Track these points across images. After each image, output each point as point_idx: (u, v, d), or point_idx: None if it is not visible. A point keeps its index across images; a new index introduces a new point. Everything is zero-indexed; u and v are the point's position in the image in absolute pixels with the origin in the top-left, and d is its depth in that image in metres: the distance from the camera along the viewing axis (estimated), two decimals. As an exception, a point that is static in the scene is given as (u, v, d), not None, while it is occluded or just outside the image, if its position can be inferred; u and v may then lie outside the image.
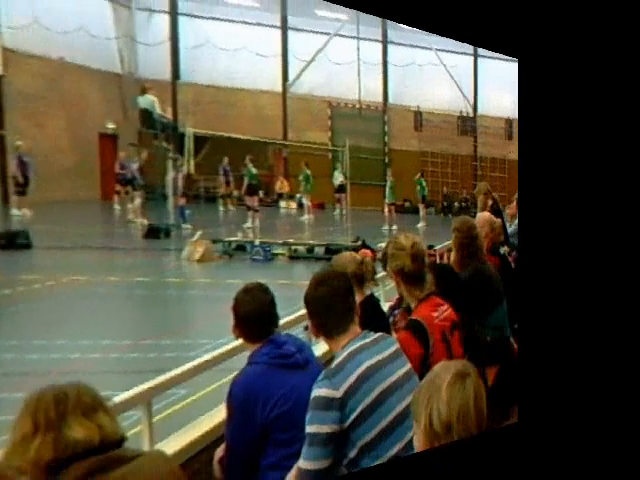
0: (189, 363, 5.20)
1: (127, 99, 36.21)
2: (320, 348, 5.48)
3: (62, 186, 32.76)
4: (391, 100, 44.68)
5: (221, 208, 34.52)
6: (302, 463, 3.34)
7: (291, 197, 39.45)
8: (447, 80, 44.42)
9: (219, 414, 4.59)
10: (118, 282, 16.96)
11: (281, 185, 40.03)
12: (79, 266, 18.56)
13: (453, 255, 6.55)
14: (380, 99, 44.42)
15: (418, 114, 44.79)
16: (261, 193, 31.21)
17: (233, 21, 39.55)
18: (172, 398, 8.11)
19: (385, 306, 6.43)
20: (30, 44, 31.47)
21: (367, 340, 3.69)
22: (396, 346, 3.85)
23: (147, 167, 28.82)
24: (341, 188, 37.11)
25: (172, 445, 3.83)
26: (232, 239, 22.19)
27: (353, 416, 3.34)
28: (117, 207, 30.78)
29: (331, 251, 20.45)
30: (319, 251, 21.60)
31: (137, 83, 32.98)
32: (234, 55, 38.70)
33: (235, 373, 4.19)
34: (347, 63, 41.42)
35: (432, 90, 44.22)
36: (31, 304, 14.68)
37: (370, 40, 42.63)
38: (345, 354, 3.55)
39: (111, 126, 36.27)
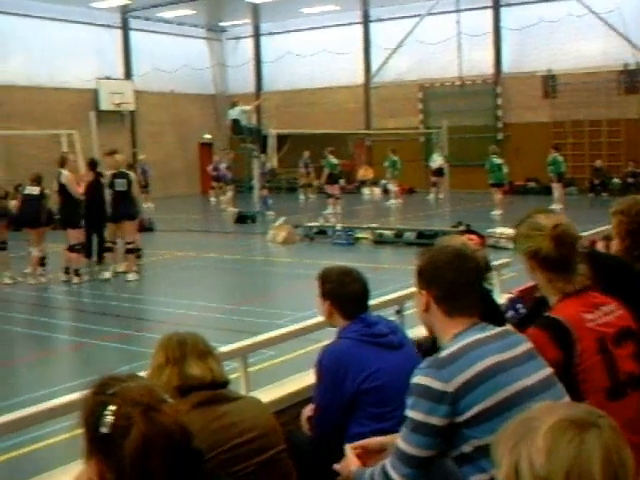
0: (281, 329, 5.10)
1: (219, 113, 37.36)
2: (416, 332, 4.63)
3: (173, 184, 34.98)
4: (506, 69, 33.24)
5: (301, 197, 32.82)
6: (403, 446, 2.66)
7: (375, 183, 33.53)
8: (597, 31, 30.03)
9: (307, 378, 4.35)
10: (215, 258, 17.10)
11: (364, 173, 34.14)
12: (186, 244, 19.18)
13: (615, 244, 4.43)
14: (486, 71, 33.30)
15: (549, 79, 31.48)
16: (342, 182, 28.05)
17: (312, 28, 36.74)
18: (261, 356, 7.96)
19: (501, 298, 5.33)
20: (151, 84, 35.11)
21: (488, 333, 2.75)
22: (528, 345, 2.81)
23: (235, 166, 29.67)
24: (439, 171, 30.01)
25: (264, 396, 3.66)
26: (313, 224, 20.24)
27: (469, 414, 2.57)
28: (212, 199, 31.58)
29: (424, 236, 17.38)
30: (410, 236, 18.17)
31: (227, 99, 34.00)
32: (313, 59, 36.21)
33: (319, 344, 3.98)
34: (442, 41, 32.95)
35: (571, 47, 30.56)
36: (157, 270, 15.74)
37: (476, 9, 32.74)
38: (459, 345, 2.67)
39: (207, 136, 37.78)
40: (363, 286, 3.86)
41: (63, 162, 14.30)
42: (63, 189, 14.02)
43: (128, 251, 14.68)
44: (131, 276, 14.46)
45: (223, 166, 30.64)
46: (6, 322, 11.51)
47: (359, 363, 3.61)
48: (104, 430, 1.83)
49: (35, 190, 14.32)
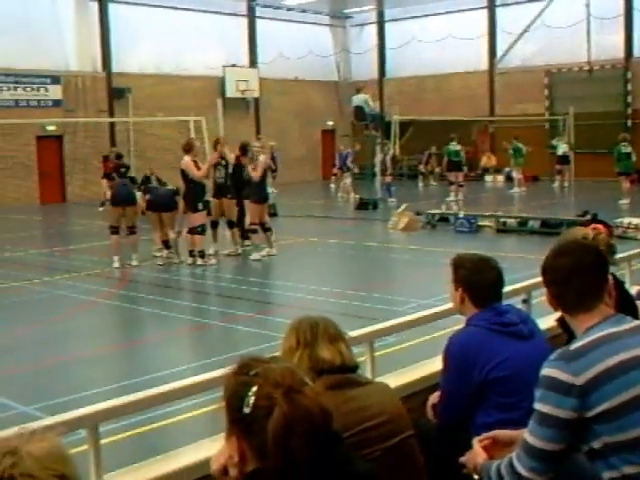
0: (405, 317, 5.04)
1: (342, 100, 37.53)
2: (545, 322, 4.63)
3: (295, 170, 35.12)
4: (637, 53, 32.26)
5: (420, 184, 32.54)
6: (530, 439, 2.61)
7: (497, 171, 33.27)
8: None
9: (433, 365, 4.32)
10: (337, 243, 17.15)
11: (487, 160, 33.98)
12: (309, 230, 19.37)
13: None
14: (616, 56, 32.28)
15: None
16: (465, 169, 27.36)
17: (437, 14, 36.27)
18: (383, 343, 7.94)
19: (632, 290, 5.09)
20: (275, 71, 35.63)
21: (622, 327, 2.63)
22: None
23: (358, 152, 29.60)
24: (564, 159, 29.04)
25: (390, 382, 3.65)
26: (435, 211, 19.94)
27: (598, 409, 2.47)
28: (332, 185, 31.54)
29: (548, 225, 17.20)
30: (534, 224, 17.86)
31: (350, 86, 34.14)
32: (439, 44, 35.59)
33: (439, 332, 3.94)
34: (570, 25, 31.80)
35: None
36: (280, 255, 15.53)
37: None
38: (590, 339, 2.58)
39: (330, 123, 38.25)
40: (498, 274, 3.77)
41: (189, 147, 14.62)
42: (183, 174, 14.35)
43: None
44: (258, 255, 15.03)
45: (345, 153, 30.34)
46: (134, 302, 11.91)
47: (488, 352, 3.54)
48: (246, 410, 1.87)
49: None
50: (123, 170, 15.57)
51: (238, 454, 1.92)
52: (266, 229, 15.26)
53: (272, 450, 1.83)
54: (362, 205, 23.79)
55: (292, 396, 1.86)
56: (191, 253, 14.61)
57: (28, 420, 6.39)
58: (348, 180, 28.58)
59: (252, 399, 1.87)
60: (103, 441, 3.22)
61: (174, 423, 6.47)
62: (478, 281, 3.72)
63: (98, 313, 11.42)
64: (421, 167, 33.43)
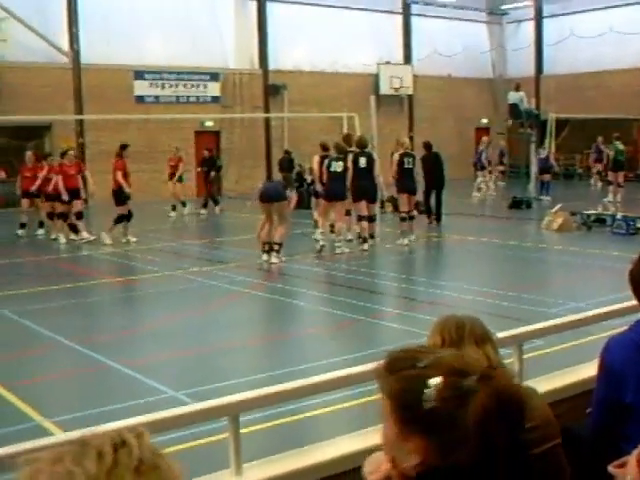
0: (557, 319, 4.80)
1: (497, 97, 37.00)
2: None
3: (448, 168, 33.90)
4: None
5: (599, 184, 29.68)
6: None
7: None
8: None
9: (585, 370, 4.08)
10: (489, 242, 16.85)
11: None
12: (460, 227, 19.26)
13: None
14: None
15: None
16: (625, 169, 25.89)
17: (596, 9, 34.61)
18: (531, 345, 7.67)
19: None
20: (428, 68, 35.40)
21: None
22: None
23: (511, 150, 29.04)
24: None
25: (538, 386, 3.46)
26: (591, 212, 19.00)
27: None
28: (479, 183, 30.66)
29: None
30: None
31: (505, 83, 33.52)
32: (598, 40, 33.84)
33: (591, 337, 3.70)
34: None
35: None
36: (431, 251, 16.30)
37: None
38: None
39: (484, 120, 37.64)
40: None
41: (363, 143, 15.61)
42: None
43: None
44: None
45: (482, 151, 29.58)
46: (281, 294, 12.02)
47: (636, 369, 3.25)
48: (428, 405, 1.70)
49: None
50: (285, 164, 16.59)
51: (421, 454, 1.77)
52: (411, 217, 16.54)
53: (473, 442, 1.68)
54: (515, 204, 23.27)
55: (488, 382, 1.71)
56: (360, 237, 15.74)
57: (176, 405, 6.56)
58: (479, 179, 28.13)
59: (434, 392, 1.70)
60: (243, 430, 3.20)
61: (315, 416, 6.46)
62: None
63: (246, 304, 11.61)
64: (596, 165, 31.51)
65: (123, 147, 17.78)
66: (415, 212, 17.13)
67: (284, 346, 9.28)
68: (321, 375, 3.51)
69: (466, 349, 2.74)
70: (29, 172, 18.84)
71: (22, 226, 18.76)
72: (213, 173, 23.89)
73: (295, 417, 6.37)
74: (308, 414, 6.45)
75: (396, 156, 16.70)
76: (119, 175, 17.27)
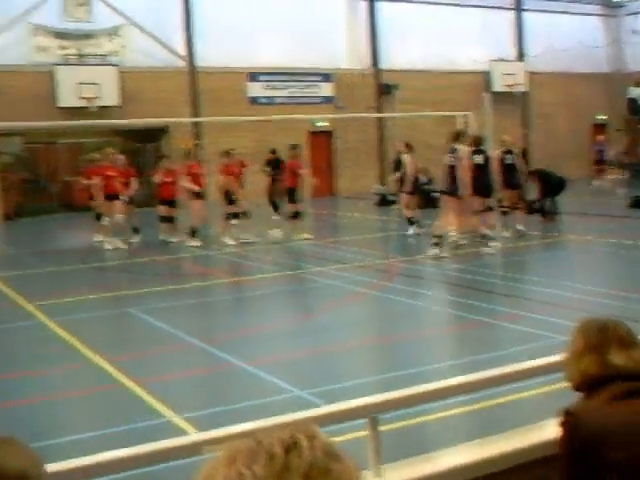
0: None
1: (614, 93, 35.81)
2: None
3: (563, 165, 32.83)
4: None
5: None
6: None
7: None
8: None
9: None
10: (608, 242, 16.36)
11: None
12: (578, 227, 18.70)
13: None
14: None
15: None
16: None
17: None
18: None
19: None
20: (542, 64, 34.67)
21: None
22: None
23: (632, 148, 28.13)
24: None
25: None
26: None
27: None
28: (595, 182, 29.87)
29: None
30: None
31: (623, 78, 32.52)
32: None
33: None
34: None
35: None
36: (548, 252, 15.65)
37: None
38: None
39: (602, 117, 36.49)
40: None
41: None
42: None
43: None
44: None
45: (606, 148, 28.73)
46: (401, 295, 11.99)
47: None
48: None
49: (479, 159, 15.27)
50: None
51: None
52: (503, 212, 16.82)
53: None
54: (637, 203, 22.48)
55: None
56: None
57: (303, 404, 6.65)
58: (611, 177, 27.27)
59: None
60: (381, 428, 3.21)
61: (445, 418, 6.39)
62: None
63: (366, 304, 11.63)
64: None
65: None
66: (517, 207, 17.40)
67: (405, 347, 9.26)
68: (465, 376, 3.48)
69: (610, 352, 2.68)
70: (169, 176, 18.47)
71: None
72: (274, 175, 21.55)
73: (430, 416, 6.32)
74: (432, 416, 6.41)
75: (498, 153, 17.01)
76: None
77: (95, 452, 2.57)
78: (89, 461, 2.58)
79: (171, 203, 18.28)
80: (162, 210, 18.42)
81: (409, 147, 18.37)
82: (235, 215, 17.78)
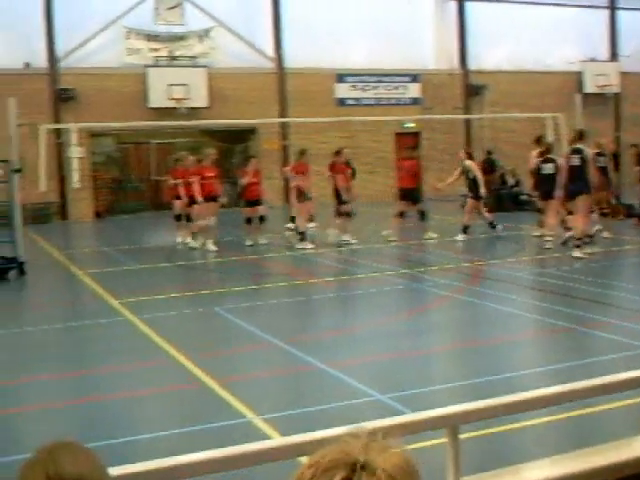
0: None
1: None
2: None
3: None
4: None
5: None
6: None
7: None
8: None
9: None
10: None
11: None
12: None
13: None
14: None
15: None
16: None
17: None
18: None
19: None
20: (637, 64, 33.59)
21: None
22: None
23: None
24: None
25: None
26: None
27: None
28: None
29: None
30: None
31: None
32: None
33: None
34: None
35: None
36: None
37: None
38: None
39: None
40: None
41: (582, 136, 15.07)
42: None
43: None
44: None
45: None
46: (486, 299, 11.75)
47: None
48: None
49: (576, 161, 14.72)
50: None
51: None
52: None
53: None
54: None
55: None
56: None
57: (383, 409, 6.55)
58: None
59: None
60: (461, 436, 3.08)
61: (528, 427, 6.16)
62: None
63: (450, 308, 11.43)
64: None
65: (302, 152, 18.28)
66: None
67: (488, 352, 9.04)
68: (549, 388, 3.33)
69: None
70: (255, 177, 18.16)
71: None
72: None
73: (512, 425, 6.11)
74: (515, 425, 6.20)
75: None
76: (337, 177, 17.63)
77: (174, 450, 2.52)
78: (166, 463, 2.52)
79: (256, 203, 18.12)
80: (248, 211, 18.16)
81: (469, 154, 18.51)
82: (347, 214, 17.64)
